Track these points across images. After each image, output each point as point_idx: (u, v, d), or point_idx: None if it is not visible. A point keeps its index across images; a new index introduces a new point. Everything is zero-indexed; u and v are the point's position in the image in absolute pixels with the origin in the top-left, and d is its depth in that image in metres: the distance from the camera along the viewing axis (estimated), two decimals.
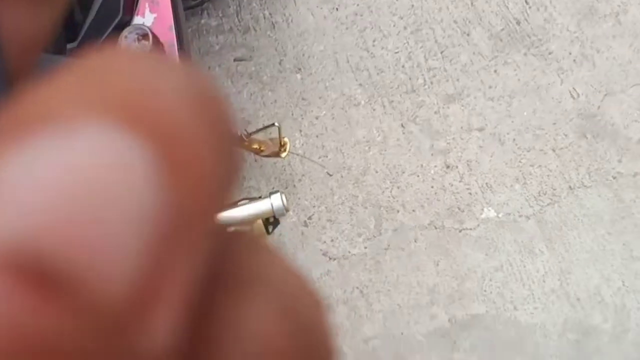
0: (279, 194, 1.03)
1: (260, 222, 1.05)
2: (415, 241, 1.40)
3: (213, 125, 0.11)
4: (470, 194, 1.42)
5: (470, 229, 1.39)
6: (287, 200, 1.04)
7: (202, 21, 1.71)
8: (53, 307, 0.09)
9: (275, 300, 0.12)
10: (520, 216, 1.38)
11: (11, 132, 0.10)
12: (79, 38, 1.10)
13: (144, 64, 0.11)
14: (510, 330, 1.32)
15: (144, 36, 1.15)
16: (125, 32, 1.15)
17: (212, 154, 0.11)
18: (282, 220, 1.39)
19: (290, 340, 0.12)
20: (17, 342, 0.09)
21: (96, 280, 0.09)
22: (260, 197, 1.06)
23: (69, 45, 1.09)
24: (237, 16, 1.70)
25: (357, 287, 1.38)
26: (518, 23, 1.56)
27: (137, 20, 1.18)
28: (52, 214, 0.09)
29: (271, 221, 1.06)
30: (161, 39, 1.17)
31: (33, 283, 0.09)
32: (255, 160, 1.51)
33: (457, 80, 1.54)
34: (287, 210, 1.04)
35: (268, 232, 1.07)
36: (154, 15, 1.19)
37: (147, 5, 1.19)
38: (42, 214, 0.09)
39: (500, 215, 1.39)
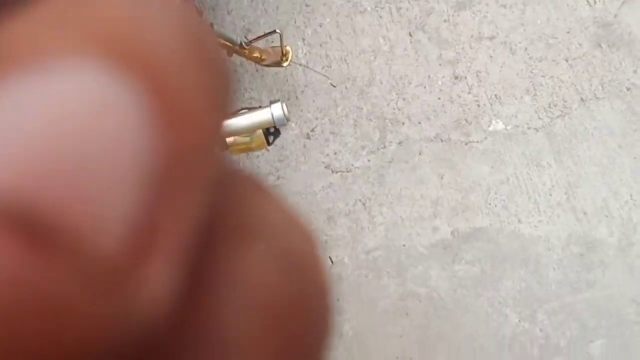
0: (279, 103, 1.00)
1: (260, 132, 1.02)
2: (420, 154, 1.37)
3: (205, 59, 0.10)
4: (478, 105, 1.38)
5: (477, 142, 1.36)
6: (288, 109, 1.01)
7: None
8: (43, 261, 0.08)
9: (272, 246, 0.12)
10: (529, 128, 1.35)
11: None
12: None
13: None
14: (513, 243, 1.31)
15: None
16: None
17: (206, 90, 0.10)
18: (283, 131, 1.36)
19: (287, 287, 0.11)
20: (5, 298, 0.08)
21: (88, 231, 0.08)
22: (260, 107, 1.03)
23: None
24: None
25: (360, 200, 1.36)
26: None
27: None
28: (39, 161, 0.08)
29: (272, 131, 1.03)
30: None
31: (19, 235, 0.08)
32: (257, 70, 1.46)
33: None
34: (287, 120, 1.01)
35: (269, 143, 1.04)
36: None
37: None
38: (27, 160, 0.08)
39: (508, 128, 1.35)
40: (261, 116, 1.00)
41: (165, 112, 0.09)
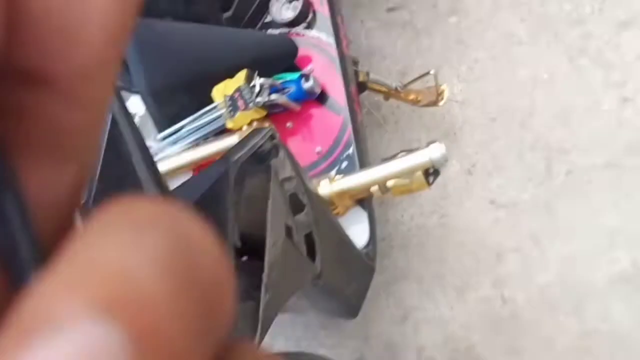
0: (437, 143, 1.01)
1: (420, 173, 1.04)
2: (590, 183, 1.31)
3: (196, 282, 0.12)
4: None
5: None
6: (446, 149, 1.02)
7: None
8: None
9: None
10: None
11: (12, 341, 0.11)
12: (233, 7, 1.14)
13: (123, 238, 0.12)
14: None
15: None
16: None
17: (193, 318, 0.12)
18: (444, 169, 1.37)
19: None
20: None
21: None
22: (418, 148, 1.05)
23: (225, 15, 1.13)
24: None
25: (529, 235, 1.32)
26: None
27: None
28: None
29: (431, 172, 1.04)
30: None
31: None
32: (414, 111, 1.49)
33: (629, 4, 1.40)
34: (446, 160, 1.01)
35: (429, 184, 1.05)
36: None
37: None
38: None
39: None
40: (419, 158, 1.01)
41: (150, 353, 0.11)
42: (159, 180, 0.54)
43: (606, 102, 1.35)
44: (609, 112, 1.34)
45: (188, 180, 0.73)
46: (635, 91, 1.33)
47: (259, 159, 0.80)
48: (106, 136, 0.51)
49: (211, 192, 0.66)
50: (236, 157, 0.69)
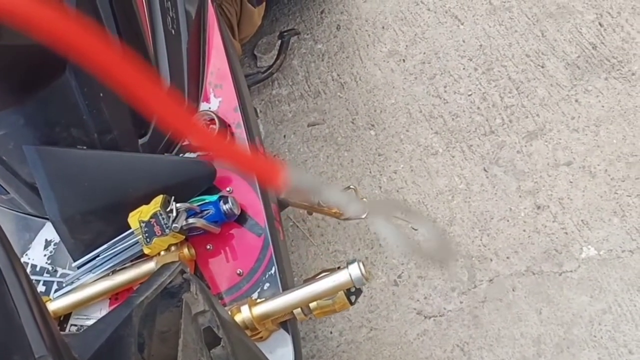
0: (356, 263, 1.01)
1: (341, 293, 1.03)
2: (513, 290, 1.33)
3: None
4: (566, 233, 1.34)
5: (571, 271, 1.31)
6: (365, 268, 1.02)
7: (274, 92, 1.74)
8: None
9: None
10: (623, 251, 1.29)
11: None
12: (149, 133, 1.14)
13: None
14: None
15: (211, 120, 1.18)
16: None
17: None
18: (371, 281, 1.37)
19: None
20: None
21: None
22: (338, 268, 1.04)
23: (140, 141, 1.13)
24: (307, 82, 1.72)
25: (458, 345, 1.32)
26: (594, 47, 1.48)
27: (204, 106, 1.21)
28: None
29: (353, 291, 1.03)
30: (228, 121, 1.19)
31: None
32: (339, 223, 1.50)
33: (537, 115, 1.47)
34: (366, 280, 1.01)
35: (351, 303, 1.04)
36: (219, 99, 1.22)
37: (211, 90, 1.23)
38: None
39: (601, 253, 1.30)
40: (340, 278, 1.01)
41: None
42: (50, 336, 0.51)
43: (521, 210, 1.39)
44: (525, 219, 1.38)
45: (92, 325, 0.70)
46: (548, 198, 1.38)
47: (170, 295, 0.78)
48: None
49: (114, 338, 0.63)
50: (141, 299, 0.67)
